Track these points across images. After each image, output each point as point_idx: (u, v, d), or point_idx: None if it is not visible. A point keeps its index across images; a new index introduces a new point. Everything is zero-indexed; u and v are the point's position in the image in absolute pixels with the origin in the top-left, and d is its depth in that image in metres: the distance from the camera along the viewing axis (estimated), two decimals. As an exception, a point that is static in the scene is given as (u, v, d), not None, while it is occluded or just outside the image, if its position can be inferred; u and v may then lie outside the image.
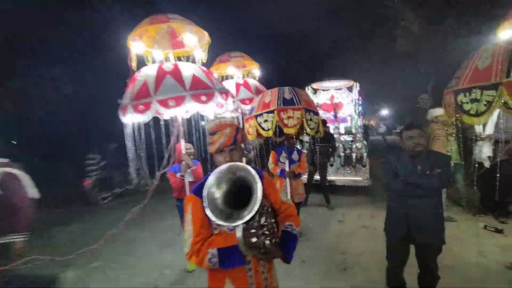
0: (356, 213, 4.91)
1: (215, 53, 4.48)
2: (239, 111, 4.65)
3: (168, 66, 2.64)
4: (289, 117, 3.26)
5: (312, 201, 5.52)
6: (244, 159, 4.74)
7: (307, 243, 3.80)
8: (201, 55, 3.01)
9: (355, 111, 7.09)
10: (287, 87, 3.51)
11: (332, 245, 3.76)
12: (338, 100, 7.78)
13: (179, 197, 3.22)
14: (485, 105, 2.01)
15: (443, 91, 2.52)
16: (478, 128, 4.09)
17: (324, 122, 5.06)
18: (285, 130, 3.30)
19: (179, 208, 3.30)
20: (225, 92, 2.83)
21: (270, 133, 3.36)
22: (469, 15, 9.24)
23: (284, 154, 3.77)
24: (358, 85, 7.35)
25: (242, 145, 1.37)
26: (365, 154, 5.81)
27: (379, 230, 4.08)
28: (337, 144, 5.95)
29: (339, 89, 7.77)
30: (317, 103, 7.88)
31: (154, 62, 2.91)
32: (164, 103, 2.45)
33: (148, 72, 2.69)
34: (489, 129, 4.03)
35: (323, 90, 7.92)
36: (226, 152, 1.26)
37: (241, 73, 4.74)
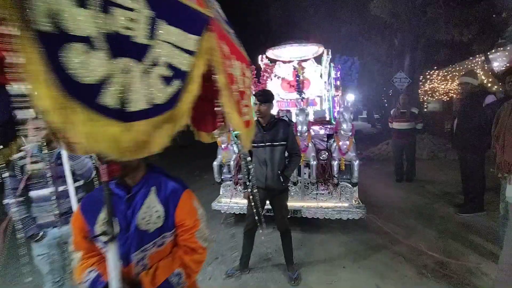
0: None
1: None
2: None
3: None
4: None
5: (257, 254, 2.92)
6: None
7: None
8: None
9: (333, 86, 4.89)
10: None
11: None
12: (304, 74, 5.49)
13: None
14: None
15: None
16: None
17: (265, 96, 2.38)
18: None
19: None
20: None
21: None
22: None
23: (103, 215, 1.00)
24: (330, 52, 5.17)
25: None
26: (355, 162, 3.18)
27: None
28: (303, 144, 3.38)
29: (305, 60, 5.50)
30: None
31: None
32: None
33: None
34: None
35: (283, 62, 5.57)
36: None
37: None
